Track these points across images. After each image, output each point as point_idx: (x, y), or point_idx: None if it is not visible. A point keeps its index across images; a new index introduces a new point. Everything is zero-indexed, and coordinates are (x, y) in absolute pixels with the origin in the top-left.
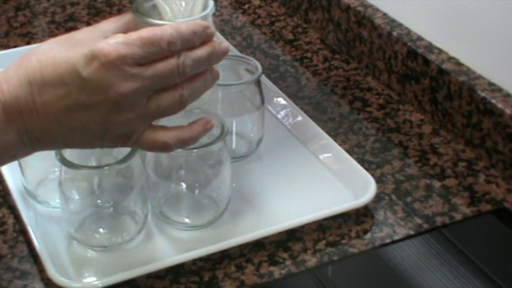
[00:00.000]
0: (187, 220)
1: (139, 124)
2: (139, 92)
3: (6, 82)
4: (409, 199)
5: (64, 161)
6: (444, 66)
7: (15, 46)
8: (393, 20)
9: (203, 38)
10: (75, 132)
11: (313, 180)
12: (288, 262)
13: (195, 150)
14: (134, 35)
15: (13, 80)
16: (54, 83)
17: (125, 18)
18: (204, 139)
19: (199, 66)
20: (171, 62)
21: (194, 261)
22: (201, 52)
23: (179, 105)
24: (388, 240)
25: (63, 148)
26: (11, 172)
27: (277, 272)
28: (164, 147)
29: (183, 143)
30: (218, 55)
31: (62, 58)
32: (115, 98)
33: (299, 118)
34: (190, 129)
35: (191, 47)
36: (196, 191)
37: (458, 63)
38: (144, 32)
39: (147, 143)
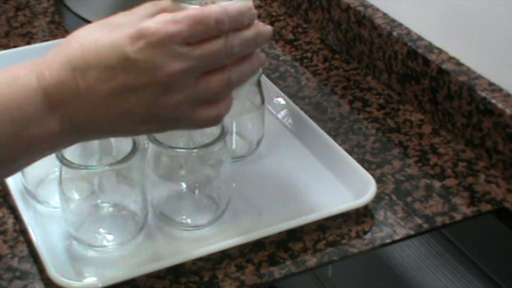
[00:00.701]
0: (187, 220)
1: (186, 107)
2: (188, 72)
3: (47, 68)
4: (409, 199)
5: (64, 161)
6: (444, 66)
7: (15, 46)
8: (393, 20)
9: (249, 19)
10: (121, 118)
11: (313, 180)
12: (288, 262)
13: (195, 150)
14: (181, 14)
15: (54, 65)
16: (99, 65)
17: (161, 3)
18: (204, 139)
19: (247, 47)
20: (219, 42)
21: (194, 261)
22: (248, 33)
23: (226, 88)
24: (388, 240)
25: (106, 137)
26: None
27: (277, 272)
28: (216, 121)
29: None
30: (264, 36)
31: (106, 40)
32: (164, 78)
33: (299, 118)
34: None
35: (238, 28)
36: (196, 191)
37: (458, 63)
38: (192, 11)
39: (198, 121)
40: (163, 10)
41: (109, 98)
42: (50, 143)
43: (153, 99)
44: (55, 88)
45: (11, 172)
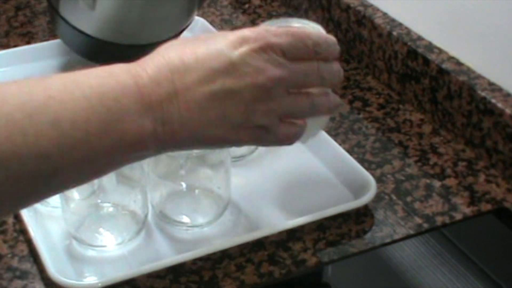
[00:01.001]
0: (187, 220)
1: (275, 117)
2: (284, 82)
3: (143, 69)
4: (409, 198)
5: None
6: (444, 66)
7: (15, 46)
8: (393, 20)
9: (338, 53)
10: (215, 123)
11: (313, 180)
12: (288, 262)
13: (195, 150)
14: (282, 29)
15: (151, 67)
16: (198, 67)
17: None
18: None
19: (332, 78)
20: (313, 63)
21: (194, 261)
22: (335, 65)
23: (308, 111)
24: (388, 240)
25: (194, 147)
26: None
27: (277, 271)
28: (293, 139)
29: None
30: (342, 76)
31: (204, 46)
32: (264, 83)
33: None
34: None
35: (328, 58)
36: (196, 191)
37: (458, 63)
38: (293, 28)
39: (281, 135)
40: None
41: (206, 101)
42: (139, 143)
43: (250, 102)
44: (151, 88)
45: (97, 173)
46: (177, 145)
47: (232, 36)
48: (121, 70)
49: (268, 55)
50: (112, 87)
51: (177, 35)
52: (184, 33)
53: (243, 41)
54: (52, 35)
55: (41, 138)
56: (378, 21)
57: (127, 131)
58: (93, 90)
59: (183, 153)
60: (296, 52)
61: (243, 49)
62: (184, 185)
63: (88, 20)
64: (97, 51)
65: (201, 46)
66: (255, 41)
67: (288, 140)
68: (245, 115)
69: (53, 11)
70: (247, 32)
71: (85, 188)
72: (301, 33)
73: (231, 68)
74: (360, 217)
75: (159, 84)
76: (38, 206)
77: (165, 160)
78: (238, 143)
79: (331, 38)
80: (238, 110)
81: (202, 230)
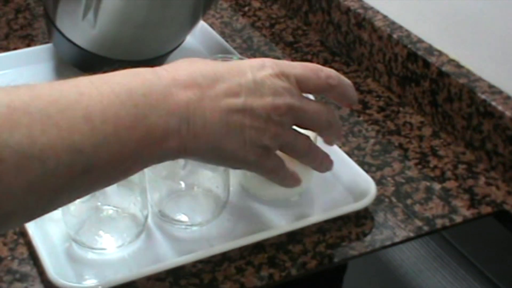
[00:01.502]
0: (185, 219)
1: (277, 144)
2: (295, 113)
3: (170, 72)
4: (409, 201)
5: None
6: (444, 68)
7: (15, 49)
8: (393, 23)
9: (353, 100)
10: (232, 134)
11: (313, 182)
12: (288, 265)
13: None
14: (296, 62)
15: (180, 71)
16: (227, 80)
17: None
18: None
19: (337, 128)
20: (324, 106)
21: (194, 263)
22: (339, 122)
23: (304, 152)
24: (388, 243)
25: (210, 156)
26: None
27: (277, 274)
28: (281, 175)
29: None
30: (342, 133)
31: (227, 65)
32: (280, 105)
33: None
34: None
35: (341, 100)
36: (195, 190)
37: (458, 66)
38: (306, 62)
39: (274, 164)
40: None
41: (228, 113)
42: (165, 140)
43: (264, 122)
44: (179, 90)
45: (127, 171)
46: (196, 148)
47: (253, 60)
48: (147, 72)
49: (285, 83)
50: (140, 84)
51: (175, 49)
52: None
53: (263, 66)
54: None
55: (74, 132)
56: (378, 23)
57: (154, 127)
58: (122, 87)
59: None
60: (309, 82)
61: (264, 72)
62: (183, 184)
63: (86, 35)
64: (93, 64)
65: (223, 64)
66: (273, 67)
67: (275, 173)
68: (258, 133)
69: (49, 21)
70: (266, 59)
71: None
72: (314, 66)
73: (254, 87)
74: (360, 220)
75: (187, 87)
76: None
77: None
78: (244, 160)
79: (341, 76)
80: (253, 126)
81: (202, 232)
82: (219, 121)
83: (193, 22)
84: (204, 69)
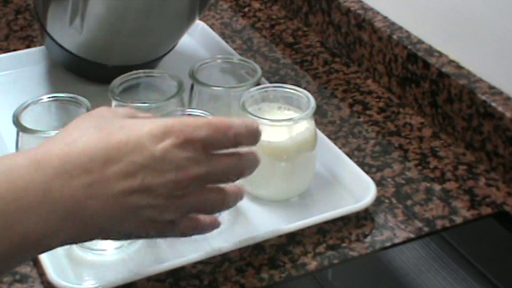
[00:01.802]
0: None
1: (185, 212)
2: (203, 180)
3: (53, 160)
4: (409, 202)
5: None
6: (444, 69)
7: (15, 50)
8: (393, 23)
9: (259, 139)
10: (127, 217)
11: (313, 183)
12: (288, 266)
13: None
14: (203, 120)
15: (61, 155)
16: (120, 160)
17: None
18: None
19: (250, 171)
20: (233, 159)
21: (194, 264)
22: (253, 156)
23: (219, 207)
24: (388, 244)
25: (99, 238)
26: None
27: (277, 275)
28: (196, 233)
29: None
30: (258, 165)
31: (124, 134)
32: (182, 180)
33: None
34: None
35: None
36: None
37: (458, 66)
38: (214, 119)
39: (184, 229)
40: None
41: (123, 196)
42: (44, 242)
43: (165, 199)
44: (64, 181)
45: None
46: (87, 237)
47: (154, 126)
48: (25, 164)
49: (189, 152)
50: (12, 187)
51: (167, 53)
52: (185, 37)
53: (165, 134)
54: None
55: None
56: (378, 24)
57: (30, 232)
58: None
59: None
60: (217, 144)
61: (165, 144)
62: None
63: (74, 40)
64: (84, 68)
65: (120, 133)
66: (176, 135)
67: (189, 234)
68: (158, 210)
69: (41, 25)
70: (169, 123)
71: None
72: (222, 124)
73: (152, 163)
74: (360, 221)
75: (73, 177)
76: None
77: None
78: (146, 236)
79: (252, 125)
80: (152, 205)
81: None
82: (112, 207)
83: (183, 29)
84: (95, 147)
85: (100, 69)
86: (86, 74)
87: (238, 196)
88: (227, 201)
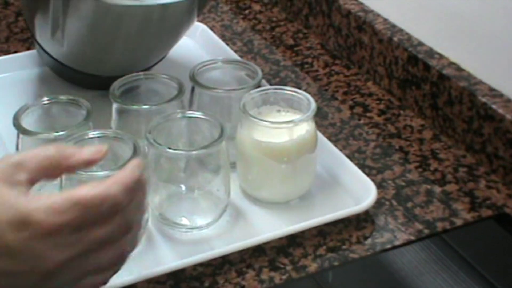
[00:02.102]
0: (186, 222)
1: (75, 283)
2: (77, 258)
3: None
4: (409, 204)
5: None
6: (444, 72)
7: (15, 52)
8: (393, 26)
9: (143, 189)
10: None
11: (313, 185)
12: (289, 268)
13: (194, 152)
14: (68, 202)
15: None
16: None
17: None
18: (204, 142)
19: (131, 246)
20: (114, 223)
21: (195, 267)
22: (135, 229)
23: (121, 260)
24: (388, 246)
25: None
26: None
27: (277, 277)
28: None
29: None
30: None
31: None
32: (49, 267)
33: None
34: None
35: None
36: (195, 193)
37: (459, 69)
38: (84, 195)
39: None
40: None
41: None
42: None
43: (38, 281)
44: None
45: None
46: None
47: (13, 213)
48: None
49: (53, 240)
50: None
51: (157, 63)
52: (185, 39)
53: (23, 224)
54: None
55: None
56: (379, 26)
57: None
58: None
59: (183, 154)
60: (90, 221)
61: (23, 235)
62: (183, 187)
63: (59, 50)
64: (72, 76)
65: None
66: (37, 226)
67: None
68: None
69: (30, 33)
70: (30, 210)
71: None
72: (95, 201)
73: (9, 252)
74: (361, 223)
75: None
76: None
77: (164, 163)
78: None
79: (133, 180)
80: (28, 285)
81: (202, 235)
82: None
83: (169, 44)
84: None
85: (89, 78)
86: (77, 82)
87: (136, 239)
88: (128, 248)
